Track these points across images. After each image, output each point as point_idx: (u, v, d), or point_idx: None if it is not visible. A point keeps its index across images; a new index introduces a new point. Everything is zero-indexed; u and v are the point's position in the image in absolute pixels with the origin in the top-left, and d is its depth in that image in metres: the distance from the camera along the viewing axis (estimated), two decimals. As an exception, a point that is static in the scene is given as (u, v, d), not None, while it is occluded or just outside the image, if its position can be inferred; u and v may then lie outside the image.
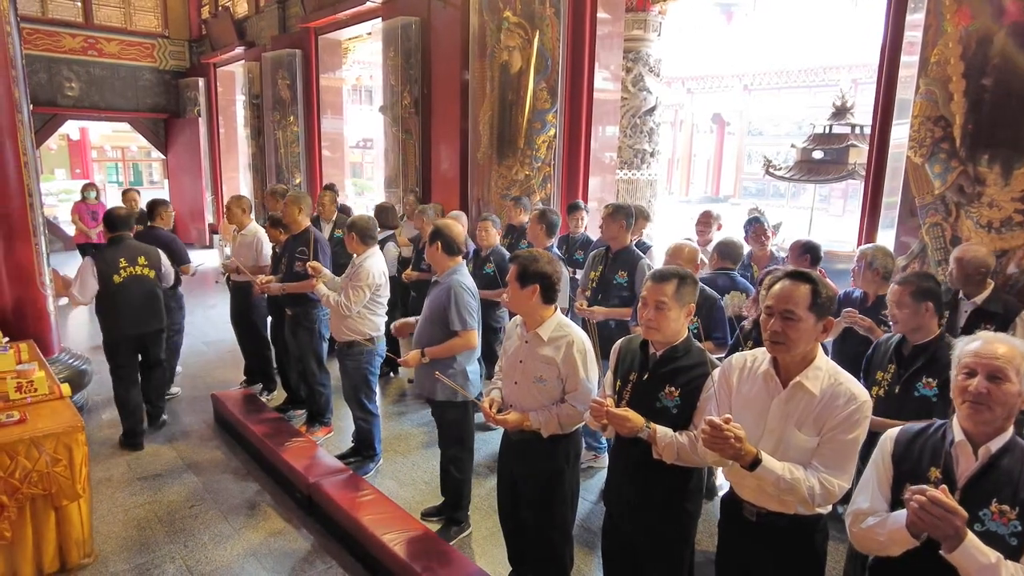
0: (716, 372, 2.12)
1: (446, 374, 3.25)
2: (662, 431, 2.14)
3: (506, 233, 5.71)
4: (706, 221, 5.14)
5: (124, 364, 4.55)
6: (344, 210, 6.74)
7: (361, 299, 4.01)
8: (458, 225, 3.52)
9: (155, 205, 5.65)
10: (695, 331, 2.35)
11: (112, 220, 4.53)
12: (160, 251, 4.71)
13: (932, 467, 1.66)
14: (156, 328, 4.66)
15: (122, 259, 4.43)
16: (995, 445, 1.58)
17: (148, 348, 4.68)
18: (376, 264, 4.10)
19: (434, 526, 3.52)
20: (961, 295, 3.35)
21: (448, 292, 3.30)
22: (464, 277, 3.41)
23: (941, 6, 3.84)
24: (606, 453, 4.19)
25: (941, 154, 3.91)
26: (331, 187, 7.32)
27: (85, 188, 9.52)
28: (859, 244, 4.44)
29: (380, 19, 8.24)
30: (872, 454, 1.80)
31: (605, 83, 6.18)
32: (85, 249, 8.75)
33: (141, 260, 4.51)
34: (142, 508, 3.81)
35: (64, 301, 5.24)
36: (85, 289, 4.31)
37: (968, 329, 3.18)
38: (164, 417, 4.98)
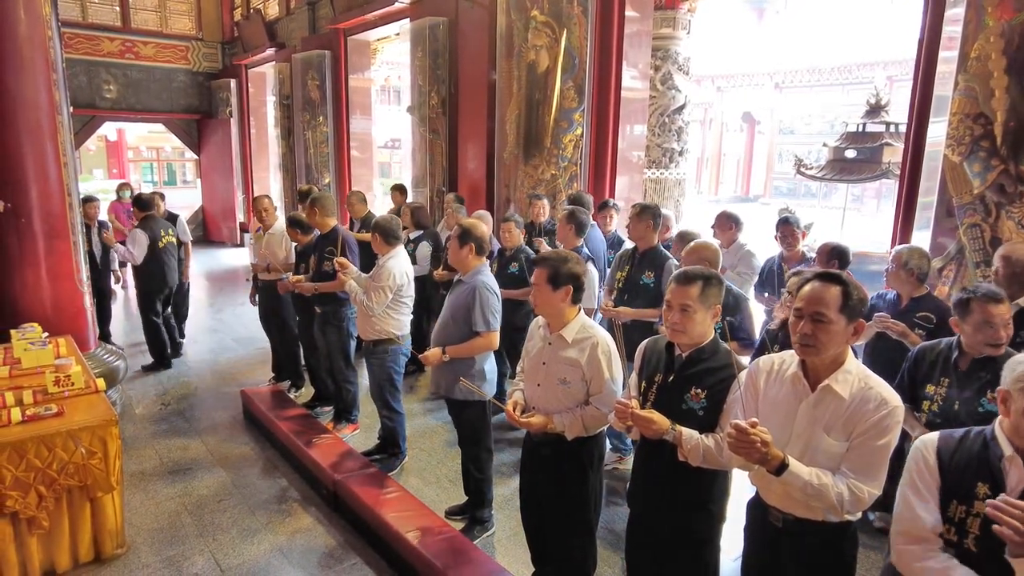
0: (743, 374, 2.08)
1: (466, 374, 3.26)
2: (688, 433, 2.11)
3: (526, 231, 5.66)
4: (723, 224, 4.98)
5: (158, 308, 6.22)
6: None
7: (383, 300, 4.04)
8: (483, 225, 3.52)
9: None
10: (720, 330, 2.31)
11: (143, 202, 6.18)
12: (180, 221, 6.62)
13: (980, 482, 1.57)
14: (179, 282, 6.45)
15: (161, 230, 6.08)
16: None
17: (172, 297, 6.49)
18: (399, 265, 4.12)
19: (458, 524, 3.53)
20: None
21: (473, 292, 3.30)
22: (489, 278, 3.41)
23: (982, 0, 3.72)
24: (631, 455, 4.16)
25: (981, 152, 3.79)
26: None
27: (120, 188, 9.75)
28: (893, 245, 4.33)
29: (408, 20, 8.29)
30: (907, 467, 1.70)
31: (633, 81, 6.13)
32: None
33: (170, 231, 6.26)
34: (172, 501, 3.90)
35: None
36: (141, 251, 5.90)
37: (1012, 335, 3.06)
38: (182, 340, 6.93)
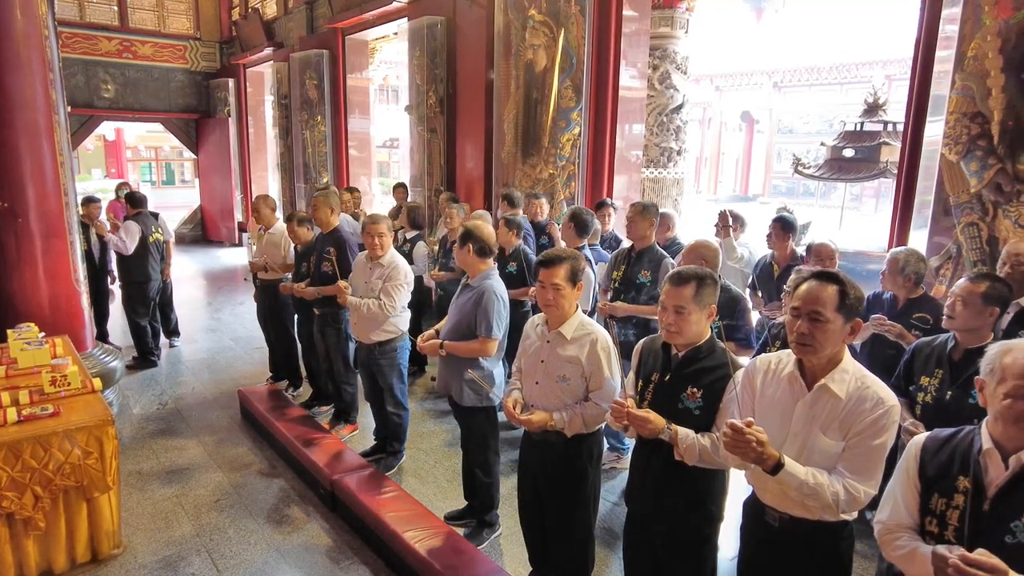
0: (739, 374, 2.08)
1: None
2: (683, 432, 2.11)
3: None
4: (724, 221, 4.97)
5: (146, 303, 6.40)
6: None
7: (404, 296, 4.08)
8: (488, 226, 3.48)
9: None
10: (716, 329, 2.31)
11: (135, 200, 6.47)
12: (161, 219, 6.68)
13: (961, 475, 1.60)
14: (162, 281, 6.60)
15: (151, 226, 6.37)
16: None
17: (160, 294, 6.65)
18: (404, 260, 4.18)
19: (459, 529, 3.51)
20: None
21: (481, 297, 3.26)
22: (498, 284, 3.35)
23: (979, -1, 3.72)
24: (629, 454, 4.15)
25: (978, 151, 3.79)
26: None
27: (119, 187, 9.77)
28: (890, 244, 4.33)
29: (406, 19, 8.28)
30: (899, 462, 1.74)
31: (631, 81, 6.12)
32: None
33: (159, 229, 6.52)
34: (169, 501, 3.89)
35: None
36: (133, 241, 6.12)
37: (1010, 332, 3.05)
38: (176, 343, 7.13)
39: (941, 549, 1.45)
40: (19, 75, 4.40)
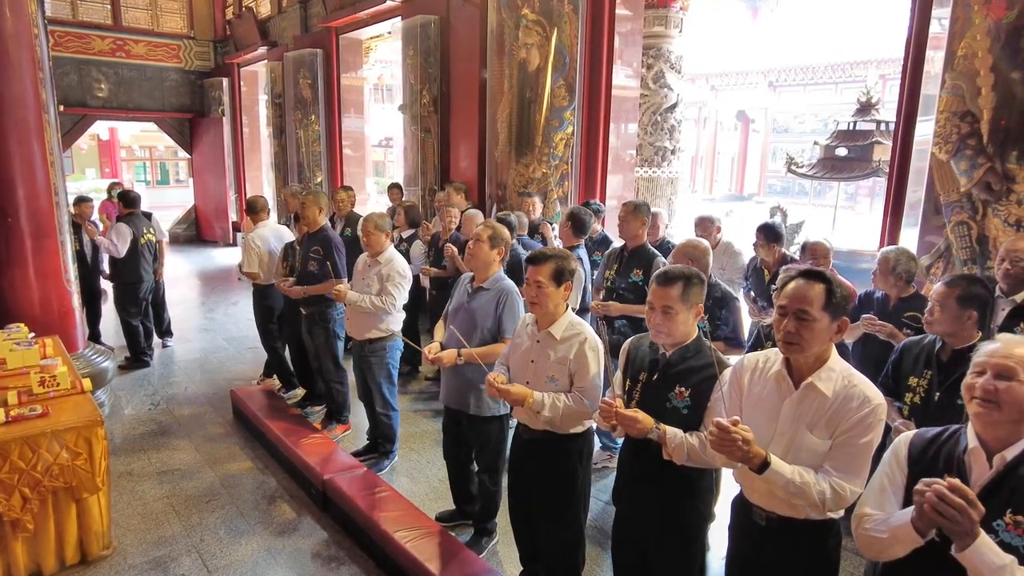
0: (726, 373, 2.09)
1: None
2: (672, 432, 2.11)
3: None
4: (706, 227, 4.96)
5: (138, 303, 6.32)
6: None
7: (405, 291, 4.09)
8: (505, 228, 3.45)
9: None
10: (704, 329, 2.31)
11: (129, 199, 6.41)
12: (154, 219, 6.61)
13: (946, 473, 1.59)
14: (154, 281, 6.50)
15: (143, 227, 6.27)
16: (1010, 453, 1.51)
17: (153, 294, 6.56)
18: (402, 258, 4.20)
19: (451, 529, 3.50)
20: (998, 292, 3.10)
21: (505, 298, 3.17)
22: (513, 284, 3.27)
23: (969, -2, 3.73)
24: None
25: (967, 150, 3.80)
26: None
27: (111, 187, 9.74)
28: (882, 242, 4.34)
29: (400, 18, 8.27)
30: (883, 457, 1.74)
31: (625, 80, 6.12)
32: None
33: (152, 229, 6.42)
34: (160, 502, 3.87)
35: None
36: (124, 243, 6.04)
37: (1005, 329, 3.05)
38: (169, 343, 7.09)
39: (927, 479, 1.43)
40: (8, 74, 4.38)
